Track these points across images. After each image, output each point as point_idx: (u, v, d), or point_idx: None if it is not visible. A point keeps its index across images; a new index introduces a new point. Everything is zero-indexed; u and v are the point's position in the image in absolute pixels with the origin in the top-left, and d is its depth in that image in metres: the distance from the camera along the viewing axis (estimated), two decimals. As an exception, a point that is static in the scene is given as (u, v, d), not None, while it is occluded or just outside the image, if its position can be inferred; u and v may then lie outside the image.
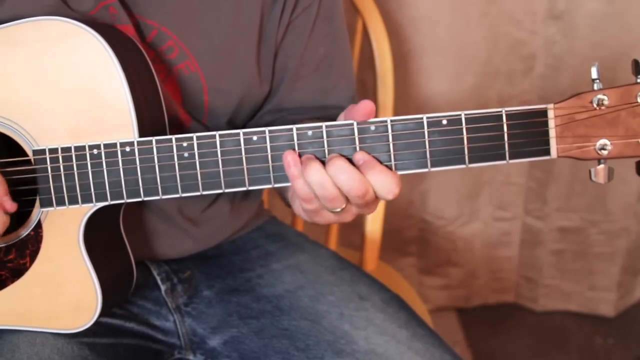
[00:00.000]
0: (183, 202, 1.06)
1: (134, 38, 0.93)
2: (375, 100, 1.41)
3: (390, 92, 1.40)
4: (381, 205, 1.45)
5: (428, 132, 0.80)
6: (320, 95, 1.08)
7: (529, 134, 0.78)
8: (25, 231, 0.91)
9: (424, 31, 1.75)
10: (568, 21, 1.75)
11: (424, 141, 0.80)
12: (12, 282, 0.92)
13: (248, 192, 1.13)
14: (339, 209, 0.81)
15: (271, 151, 0.83)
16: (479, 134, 0.79)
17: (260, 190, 1.23)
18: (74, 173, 0.87)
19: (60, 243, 0.90)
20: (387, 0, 1.68)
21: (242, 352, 1.02)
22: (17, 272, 0.92)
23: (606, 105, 0.77)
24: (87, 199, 0.88)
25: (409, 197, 1.95)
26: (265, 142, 0.82)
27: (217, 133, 0.83)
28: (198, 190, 0.85)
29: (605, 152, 0.78)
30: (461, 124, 0.79)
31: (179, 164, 0.85)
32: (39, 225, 0.90)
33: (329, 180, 0.79)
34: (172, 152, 0.84)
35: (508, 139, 0.79)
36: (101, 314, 0.92)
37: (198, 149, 0.84)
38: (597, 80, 0.78)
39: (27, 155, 0.89)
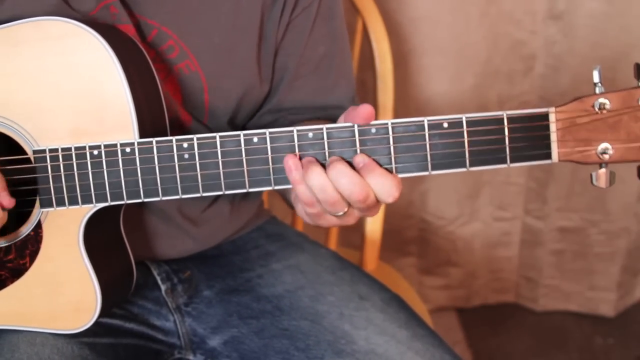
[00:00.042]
0: (183, 202, 1.06)
1: (135, 38, 0.93)
2: (375, 100, 1.41)
3: (390, 92, 1.40)
4: (381, 206, 1.45)
5: (429, 135, 0.79)
6: (320, 95, 1.08)
7: (530, 137, 0.78)
8: (25, 231, 0.91)
9: (424, 31, 1.75)
10: (568, 21, 1.74)
11: (425, 144, 0.79)
12: (12, 282, 0.92)
13: (248, 192, 1.13)
14: (341, 213, 0.81)
15: (272, 153, 0.82)
16: (479, 137, 0.79)
17: (260, 191, 1.23)
18: (74, 173, 0.87)
19: (60, 243, 0.90)
20: (387, 0, 1.68)
21: (242, 352, 1.02)
22: (17, 272, 0.92)
23: (608, 109, 0.76)
24: (87, 200, 0.88)
25: (409, 197, 1.95)
26: (266, 144, 0.82)
27: (217, 134, 0.83)
28: (198, 192, 0.85)
29: (606, 157, 0.78)
30: (462, 127, 0.79)
31: (179, 165, 0.84)
32: (39, 225, 0.90)
33: (329, 184, 0.79)
34: (173, 153, 0.84)
35: (509, 143, 0.78)
36: (101, 314, 0.92)
37: (198, 150, 0.84)
38: (599, 84, 0.77)
39: (28, 155, 0.89)
